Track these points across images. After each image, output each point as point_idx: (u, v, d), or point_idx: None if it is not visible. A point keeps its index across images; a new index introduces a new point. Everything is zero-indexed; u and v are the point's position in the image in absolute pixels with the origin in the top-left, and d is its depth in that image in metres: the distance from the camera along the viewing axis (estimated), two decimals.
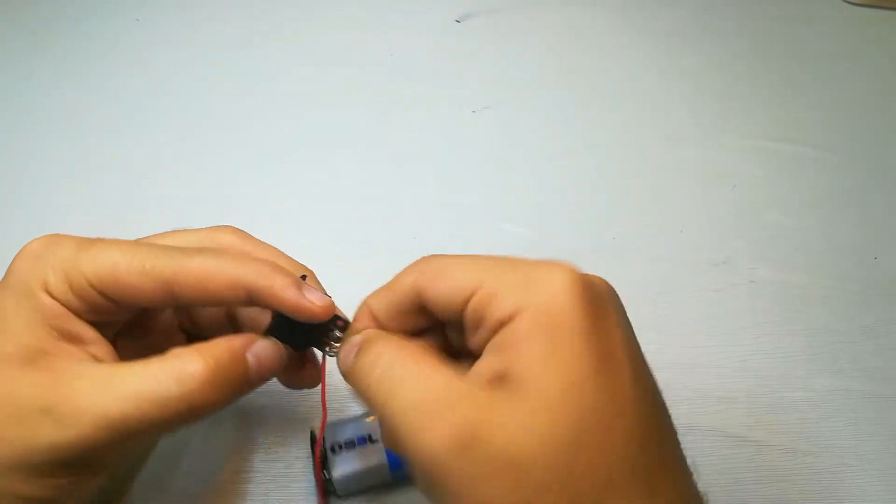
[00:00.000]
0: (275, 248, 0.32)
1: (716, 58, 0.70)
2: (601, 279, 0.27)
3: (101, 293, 0.27)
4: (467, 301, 0.26)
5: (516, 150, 0.60)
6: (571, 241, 0.52)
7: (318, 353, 0.32)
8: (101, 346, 0.28)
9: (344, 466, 0.36)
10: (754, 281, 0.51)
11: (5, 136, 0.59)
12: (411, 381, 0.24)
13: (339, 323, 0.30)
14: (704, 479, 0.40)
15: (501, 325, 0.25)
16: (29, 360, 0.26)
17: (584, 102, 0.65)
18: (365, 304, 0.30)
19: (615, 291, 0.27)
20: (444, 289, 0.27)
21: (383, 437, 0.28)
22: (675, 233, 0.54)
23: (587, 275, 0.26)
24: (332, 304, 0.29)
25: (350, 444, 0.37)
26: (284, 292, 0.28)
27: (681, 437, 0.40)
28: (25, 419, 0.25)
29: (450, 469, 0.22)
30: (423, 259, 0.29)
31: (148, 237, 0.31)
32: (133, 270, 0.27)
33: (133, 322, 0.31)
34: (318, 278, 0.33)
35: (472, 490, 0.22)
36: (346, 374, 0.28)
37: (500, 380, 0.23)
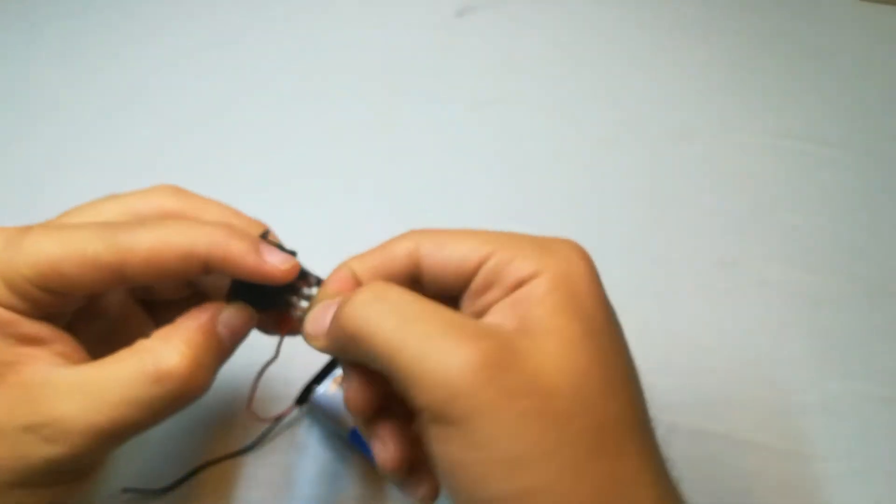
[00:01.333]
0: (222, 205, 0.30)
1: (724, 53, 0.69)
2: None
3: (45, 289, 0.26)
4: (478, 266, 0.26)
5: (518, 146, 0.59)
6: (575, 238, 0.51)
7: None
8: (63, 342, 0.27)
9: (327, 394, 0.38)
10: (763, 282, 0.50)
11: (2, 132, 0.59)
12: (431, 313, 0.24)
13: (311, 280, 0.29)
14: (712, 485, 0.40)
15: (520, 284, 0.25)
16: None
17: (588, 98, 0.64)
18: (346, 267, 0.28)
19: None
20: (452, 257, 0.27)
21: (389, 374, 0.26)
22: (684, 233, 0.53)
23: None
24: (297, 263, 0.28)
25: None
26: (243, 259, 0.27)
27: (688, 443, 0.40)
28: (5, 437, 0.24)
29: (476, 390, 0.22)
30: (415, 231, 0.28)
31: (80, 206, 0.29)
32: (74, 261, 0.25)
33: (85, 306, 0.29)
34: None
35: (499, 411, 0.22)
36: (322, 329, 0.27)
37: (521, 326, 0.25)
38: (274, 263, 0.27)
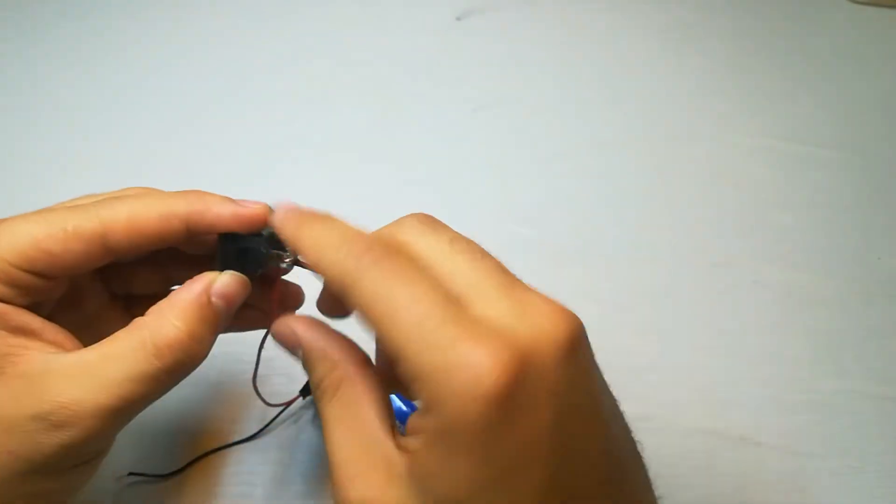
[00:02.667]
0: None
1: (719, 56, 0.70)
2: (556, 337, 0.22)
3: (30, 271, 0.26)
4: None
5: (517, 148, 0.60)
6: (573, 241, 0.52)
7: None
8: (53, 331, 0.27)
9: None
10: (757, 281, 0.50)
11: (3, 132, 0.59)
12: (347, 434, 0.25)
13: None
14: (708, 483, 0.41)
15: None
16: None
17: (587, 101, 0.64)
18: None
19: (569, 350, 0.22)
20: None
21: None
22: (678, 233, 0.53)
23: (526, 353, 0.21)
24: (268, 205, 0.29)
25: None
26: (220, 207, 0.28)
27: (683, 441, 0.41)
28: (16, 428, 0.24)
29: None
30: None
31: (53, 204, 0.29)
32: (56, 237, 0.26)
33: (64, 301, 0.30)
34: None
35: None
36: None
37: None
38: (250, 206, 0.28)
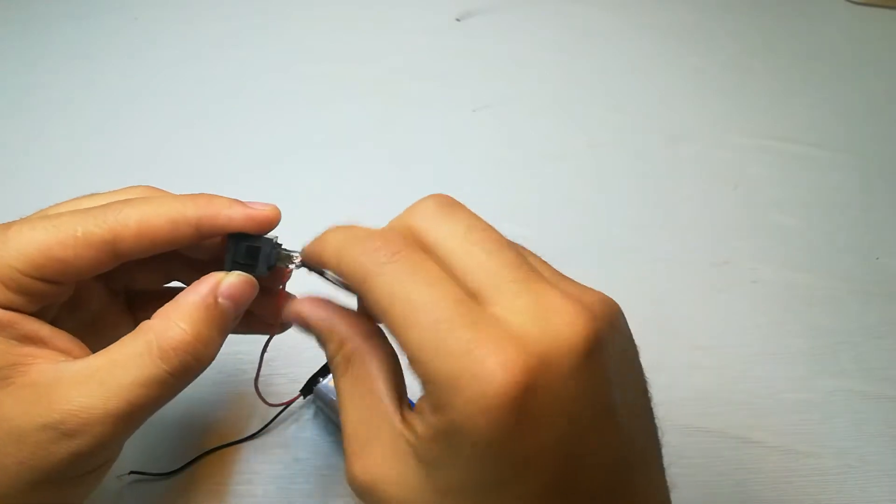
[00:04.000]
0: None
1: (718, 57, 0.70)
2: (572, 344, 0.21)
3: (39, 278, 0.26)
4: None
5: (517, 148, 0.60)
6: (571, 240, 0.52)
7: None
8: (61, 338, 0.27)
9: (331, 386, 0.39)
10: (756, 281, 0.50)
11: (4, 131, 0.59)
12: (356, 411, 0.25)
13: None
14: (706, 481, 0.41)
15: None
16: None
17: (586, 101, 0.64)
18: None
19: (585, 351, 0.21)
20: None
21: None
22: (677, 233, 0.53)
23: (539, 361, 0.20)
24: (277, 207, 0.29)
25: None
26: (231, 209, 0.27)
27: (682, 440, 0.41)
28: (26, 438, 0.24)
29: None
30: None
31: (56, 204, 0.29)
32: (66, 243, 0.25)
33: (68, 302, 0.30)
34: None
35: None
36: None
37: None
38: (260, 208, 0.28)
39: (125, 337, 0.26)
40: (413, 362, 0.22)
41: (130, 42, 0.68)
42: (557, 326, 0.21)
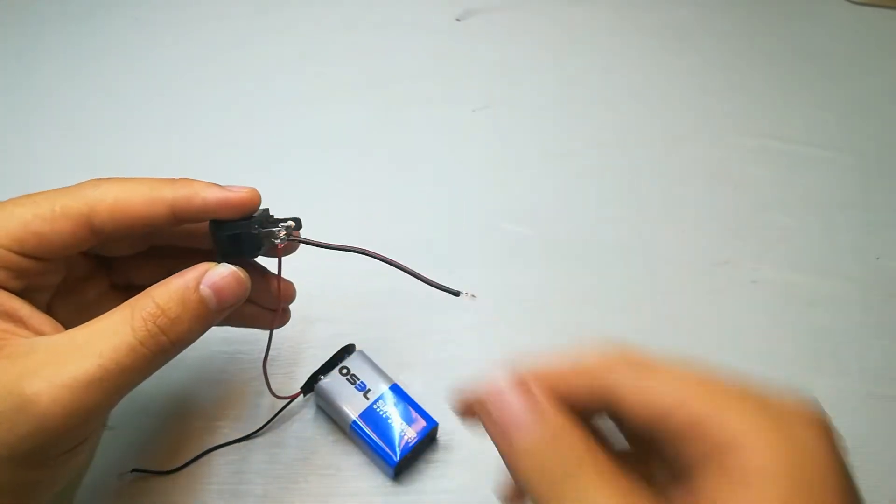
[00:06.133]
0: None
1: (718, 57, 0.70)
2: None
3: (21, 253, 0.26)
4: (682, 428, 0.22)
5: (517, 148, 0.60)
6: (572, 240, 0.52)
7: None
8: (41, 320, 0.27)
9: (332, 384, 0.39)
10: (756, 281, 0.50)
11: (4, 131, 0.59)
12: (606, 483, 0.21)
13: (288, 223, 0.30)
14: None
15: (727, 448, 0.21)
16: None
17: (585, 101, 0.64)
18: (516, 373, 0.24)
19: None
20: (651, 404, 0.23)
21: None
22: (677, 233, 0.53)
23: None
24: (255, 189, 0.29)
25: (352, 379, 0.39)
26: (207, 192, 0.28)
27: None
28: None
29: None
30: (611, 352, 0.24)
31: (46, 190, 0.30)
32: (44, 217, 0.27)
33: (63, 288, 0.30)
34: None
35: None
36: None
37: None
38: (236, 190, 0.29)
39: (108, 312, 0.27)
40: None
41: (130, 42, 0.68)
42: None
